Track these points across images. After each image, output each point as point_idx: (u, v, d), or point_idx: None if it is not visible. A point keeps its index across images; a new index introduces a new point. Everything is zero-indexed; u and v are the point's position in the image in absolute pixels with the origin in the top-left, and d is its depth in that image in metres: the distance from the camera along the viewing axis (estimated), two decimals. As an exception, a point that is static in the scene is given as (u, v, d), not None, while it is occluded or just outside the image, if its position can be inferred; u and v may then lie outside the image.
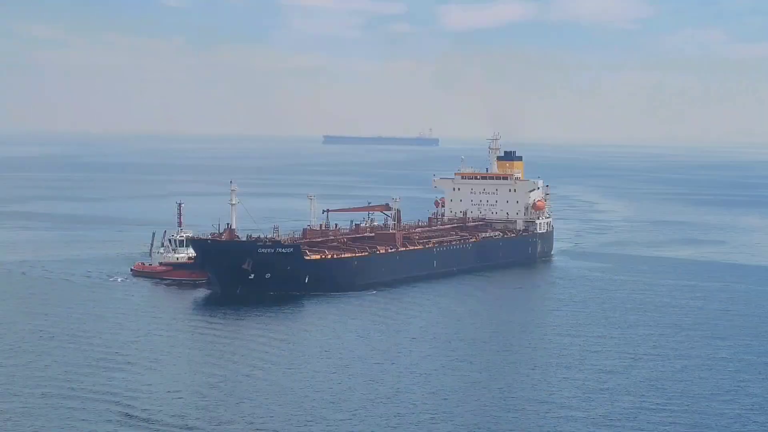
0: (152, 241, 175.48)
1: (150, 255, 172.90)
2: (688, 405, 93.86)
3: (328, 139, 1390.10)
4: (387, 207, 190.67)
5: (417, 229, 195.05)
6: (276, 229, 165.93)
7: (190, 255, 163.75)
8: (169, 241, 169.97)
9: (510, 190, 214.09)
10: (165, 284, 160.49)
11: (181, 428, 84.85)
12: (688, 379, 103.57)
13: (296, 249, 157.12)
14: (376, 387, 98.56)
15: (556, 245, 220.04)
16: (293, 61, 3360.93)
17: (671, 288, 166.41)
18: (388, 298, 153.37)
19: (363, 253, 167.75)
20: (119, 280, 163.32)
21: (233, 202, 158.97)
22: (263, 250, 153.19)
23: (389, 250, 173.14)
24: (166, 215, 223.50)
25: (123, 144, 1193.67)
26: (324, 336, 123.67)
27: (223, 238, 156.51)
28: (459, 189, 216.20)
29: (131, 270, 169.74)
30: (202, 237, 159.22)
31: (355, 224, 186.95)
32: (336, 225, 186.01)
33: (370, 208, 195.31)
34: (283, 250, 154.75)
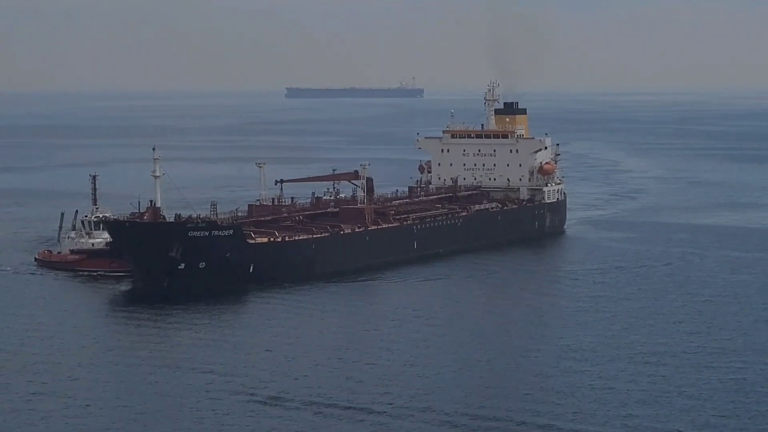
0: (60, 223, 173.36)
1: (58, 241, 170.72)
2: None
3: (292, 92, 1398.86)
4: (355, 175, 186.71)
5: (394, 202, 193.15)
6: (214, 206, 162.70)
7: (109, 240, 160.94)
8: (82, 222, 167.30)
9: (511, 151, 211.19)
10: (76, 277, 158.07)
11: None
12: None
13: (237, 231, 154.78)
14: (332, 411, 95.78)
15: (570, 217, 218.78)
16: (249, 3, 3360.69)
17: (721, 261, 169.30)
18: (355, 291, 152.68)
19: (323, 234, 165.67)
20: (9, 269, 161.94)
21: (157, 174, 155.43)
22: (195, 233, 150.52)
23: (356, 230, 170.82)
24: (81, 188, 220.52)
25: (37, 103, 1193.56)
26: (272, 339, 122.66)
27: (145, 218, 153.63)
28: (448, 150, 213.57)
29: (35, 259, 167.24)
30: (118, 218, 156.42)
31: (316, 197, 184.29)
32: (292, 199, 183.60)
33: (334, 177, 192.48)
34: (221, 233, 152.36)
